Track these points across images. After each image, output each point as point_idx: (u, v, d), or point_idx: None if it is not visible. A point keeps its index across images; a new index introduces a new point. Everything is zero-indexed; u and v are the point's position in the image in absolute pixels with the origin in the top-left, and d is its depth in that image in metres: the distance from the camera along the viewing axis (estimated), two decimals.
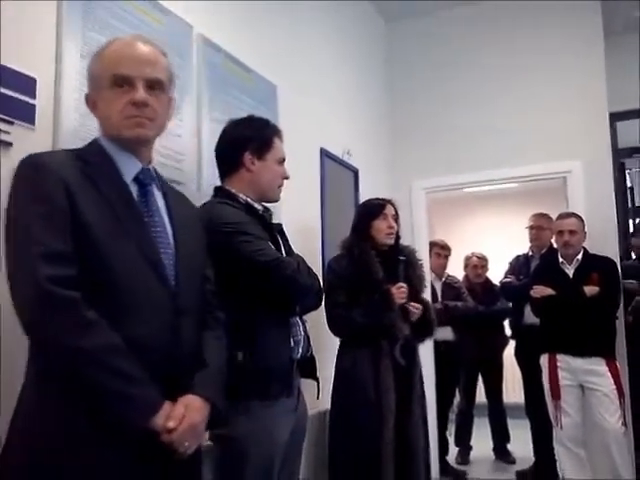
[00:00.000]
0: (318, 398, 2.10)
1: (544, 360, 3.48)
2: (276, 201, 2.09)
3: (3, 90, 1.57)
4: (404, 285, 2.71)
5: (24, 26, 1.67)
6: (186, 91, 2.32)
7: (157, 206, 1.40)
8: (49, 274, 1.15)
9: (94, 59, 1.40)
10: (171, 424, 1.22)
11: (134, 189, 1.37)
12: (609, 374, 3.28)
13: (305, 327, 2.01)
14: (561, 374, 3.38)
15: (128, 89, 1.34)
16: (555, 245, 4.12)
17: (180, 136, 2.27)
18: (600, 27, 4.03)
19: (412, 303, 2.73)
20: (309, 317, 2.08)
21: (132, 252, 1.28)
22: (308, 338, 2.01)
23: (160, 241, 1.36)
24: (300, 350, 1.94)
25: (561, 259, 3.55)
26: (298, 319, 1.98)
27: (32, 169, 1.26)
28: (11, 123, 1.59)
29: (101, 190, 1.28)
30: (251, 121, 2.05)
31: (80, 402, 1.17)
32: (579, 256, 3.51)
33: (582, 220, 3.56)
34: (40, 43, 1.72)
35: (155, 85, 1.38)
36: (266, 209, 2.01)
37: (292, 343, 1.91)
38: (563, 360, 3.39)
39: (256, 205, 1.97)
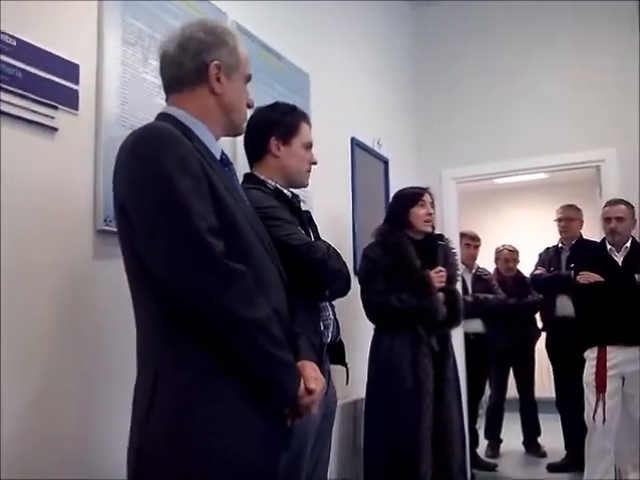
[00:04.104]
0: (347, 384, 2.11)
1: (591, 353, 3.36)
2: (304, 186, 2.10)
3: (47, 76, 1.62)
4: (443, 269, 2.74)
5: (66, 13, 1.72)
6: None
7: (240, 187, 1.51)
8: (222, 249, 1.19)
9: (222, 43, 1.40)
10: (313, 385, 1.31)
11: None
12: None
13: (334, 312, 2.02)
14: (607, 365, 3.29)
15: (245, 87, 1.48)
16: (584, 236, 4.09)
17: None
18: (636, 16, 3.94)
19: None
20: (340, 305, 2.09)
21: (251, 231, 1.34)
22: (337, 323, 2.02)
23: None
24: (329, 335, 1.95)
25: (609, 246, 3.45)
26: (327, 304, 1.99)
27: (171, 140, 1.25)
28: (55, 108, 1.64)
29: (214, 169, 1.31)
30: (276, 107, 2.05)
31: (239, 376, 1.21)
32: (628, 244, 3.41)
33: (632, 207, 3.46)
34: (82, 29, 1.77)
35: None
36: (295, 195, 2.02)
37: (322, 327, 1.92)
38: (611, 351, 3.28)
39: (285, 191, 1.98)
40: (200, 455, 1.17)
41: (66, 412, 1.59)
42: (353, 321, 2.75)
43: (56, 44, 1.65)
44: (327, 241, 2.00)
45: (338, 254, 1.94)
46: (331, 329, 1.96)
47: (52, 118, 1.63)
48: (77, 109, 1.70)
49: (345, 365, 2.06)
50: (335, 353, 2.01)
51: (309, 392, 1.30)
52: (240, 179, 1.96)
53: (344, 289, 2.03)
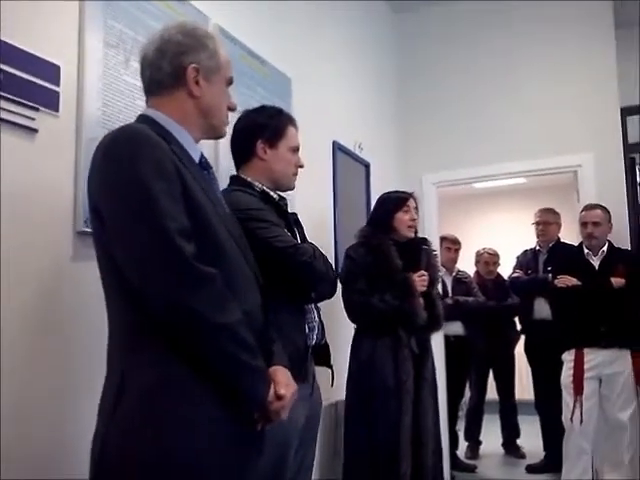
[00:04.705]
0: (332, 386, 2.11)
1: (569, 356, 3.41)
2: (291, 189, 2.10)
3: (28, 77, 1.60)
4: (425, 273, 2.76)
5: (47, 14, 1.70)
6: None
7: (219, 190, 1.51)
8: (192, 252, 1.18)
9: (201, 46, 1.39)
10: (283, 391, 1.30)
11: None
12: (632, 366, 3.25)
13: (319, 314, 2.02)
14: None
15: (226, 90, 1.47)
16: (562, 239, 4.14)
17: None
18: (612, 21, 4.04)
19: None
20: (323, 307, 2.09)
21: (226, 233, 1.33)
22: (322, 325, 2.02)
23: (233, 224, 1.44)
24: (315, 337, 1.95)
25: (586, 250, 3.51)
26: (313, 306, 2.00)
27: (146, 142, 1.24)
28: (36, 109, 1.62)
29: (190, 171, 1.30)
30: (263, 110, 2.06)
31: (209, 378, 1.20)
32: (604, 248, 3.48)
33: (607, 212, 3.52)
34: (63, 31, 1.75)
35: None
36: (281, 198, 2.02)
37: (307, 329, 1.92)
38: (588, 354, 3.32)
39: (272, 193, 1.98)
40: (166, 453, 1.16)
41: (39, 412, 1.57)
42: (335, 323, 2.75)
43: (37, 45, 1.63)
44: (313, 243, 2.01)
45: (324, 256, 1.94)
46: (316, 331, 1.96)
47: (32, 119, 1.60)
48: (58, 110, 1.68)
49: (330, 367, 2.06)
50: (320, 355, 2.01)
51: (279, 397, 1.29)
52: (224, 182, 1.98)
53: (330, 291, 2.03)
